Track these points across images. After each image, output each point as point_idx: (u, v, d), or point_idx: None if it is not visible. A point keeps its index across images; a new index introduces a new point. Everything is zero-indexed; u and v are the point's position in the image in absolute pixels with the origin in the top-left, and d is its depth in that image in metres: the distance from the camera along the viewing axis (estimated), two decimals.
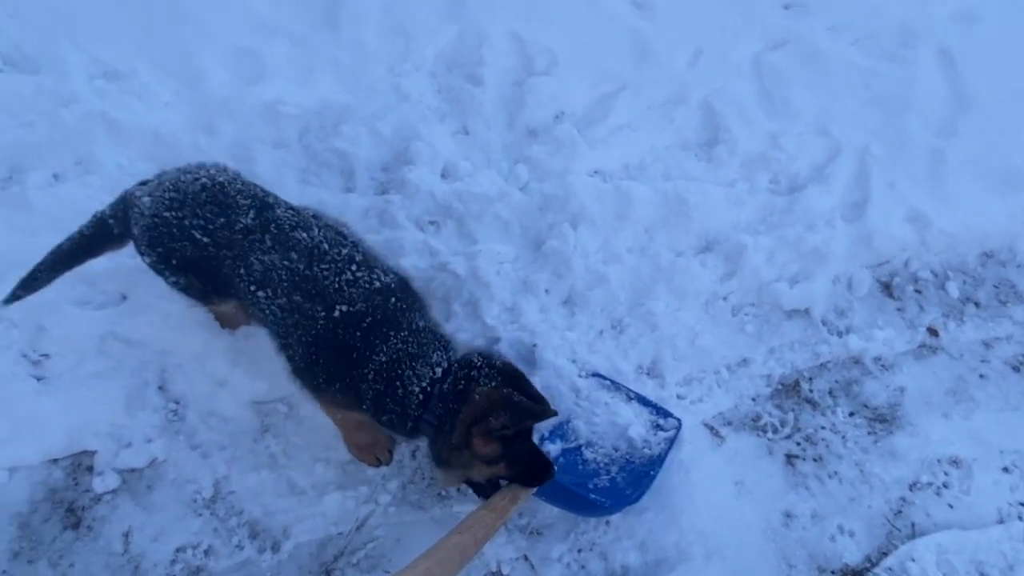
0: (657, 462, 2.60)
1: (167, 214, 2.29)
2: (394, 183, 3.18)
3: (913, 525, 2.69)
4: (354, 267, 2.24)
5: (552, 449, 2.63)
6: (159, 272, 2.43)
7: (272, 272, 2.23)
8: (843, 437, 2.87)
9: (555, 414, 2.18)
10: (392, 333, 2.19)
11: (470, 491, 2.61)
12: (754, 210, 3.31)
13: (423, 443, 2.38)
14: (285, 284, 2.22)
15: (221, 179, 2.34)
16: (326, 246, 2.26)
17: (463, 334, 2.84)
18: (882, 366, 3.06)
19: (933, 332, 3.16)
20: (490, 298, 2.89)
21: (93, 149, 3.09)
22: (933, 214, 3.30)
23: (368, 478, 2.62)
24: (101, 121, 3.13)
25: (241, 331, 2.76)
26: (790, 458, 2.80)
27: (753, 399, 2.94)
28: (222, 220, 2.27)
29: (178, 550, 2.47)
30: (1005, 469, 2.84)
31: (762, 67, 3.75)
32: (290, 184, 3.11)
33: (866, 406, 2.95)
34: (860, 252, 3.24)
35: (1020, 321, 3.24)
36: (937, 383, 3.03)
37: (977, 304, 3.27)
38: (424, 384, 2.17)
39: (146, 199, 2.33)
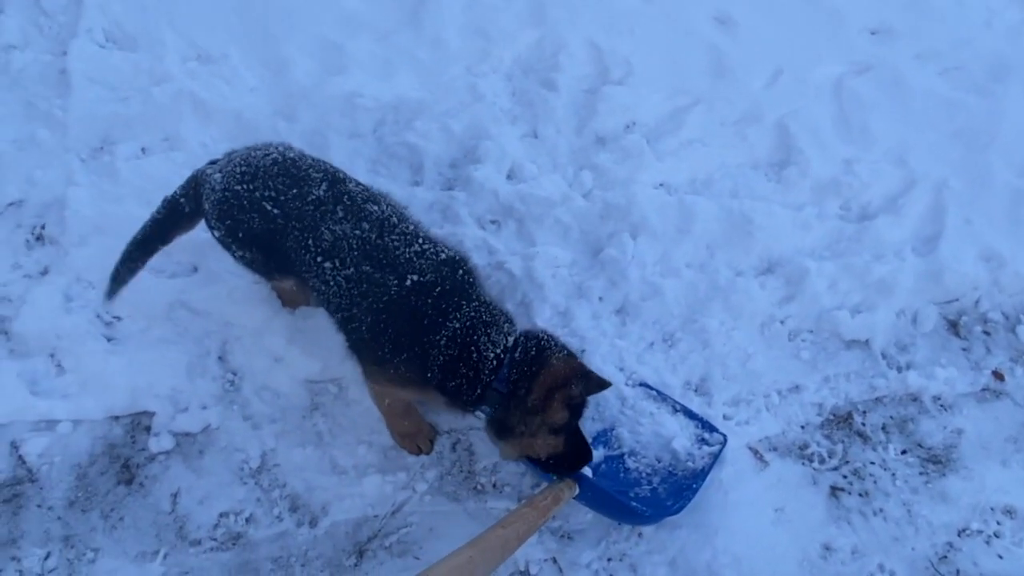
0: (700, 476, 2.59)
1: (238, 187, 2.38)
2: (460, 180, 3.24)
3: (958, 572, 2.59)
4: (421, 240, 2.32)
5: (595, 455, 2.62)
6: (226, 246, 2.52)
7: (342, 242, 2.28)
8: (893, 474, 2.79)
9: (610, 385, 2.33)
10: (464, 302, 2.26)
11: (506, 488, 2.66)
12: (821, 235, 3.25)
13: (474, 420, 2.50)
14: (356, 253, 2.27)
15: (291, 155, 2.45)
16: (395, 219, 2.35)
17: None
18: (941, 406, 2.96)
19: (999, 376, 3.05)
20: (543, 300, 2.92)
21: (180, 127, 3.25)
22: (1009, 255, 3.18)
23: (407, 465, 2.68)
24: (190, 101, 3.29)
25: (300, 312, 2.85)
26: (835, 490, 2.74)
27: (802, 427, 2.88)
28: (294, 191, 2.35)
29: (221, 515, 2.57)
30: None
31: (842, 91, 3.67)
32: (360, 173, 3.17)
33: (920, 445, 2.86)
34: (928, 287, 3.14)
35: None
36: (998, 429, 2.91)
37: None
38: (498, 351, 2.24)
39: (217, 175, 2.44)
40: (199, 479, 2.62)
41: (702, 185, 3.36)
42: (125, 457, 2.64)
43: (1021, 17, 4.06)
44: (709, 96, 3.57)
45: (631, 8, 3.86)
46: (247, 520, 2.57)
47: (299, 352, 2.79)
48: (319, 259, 2.31)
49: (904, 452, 2.85)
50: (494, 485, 2.67)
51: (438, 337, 2.22)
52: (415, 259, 2.27)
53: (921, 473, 2.80)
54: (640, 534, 2.58)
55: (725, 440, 2.69)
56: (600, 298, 2.97)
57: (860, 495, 2.74)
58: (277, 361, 2.81)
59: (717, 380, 2.89)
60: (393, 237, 2.30)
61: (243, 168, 2.40)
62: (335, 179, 2.40)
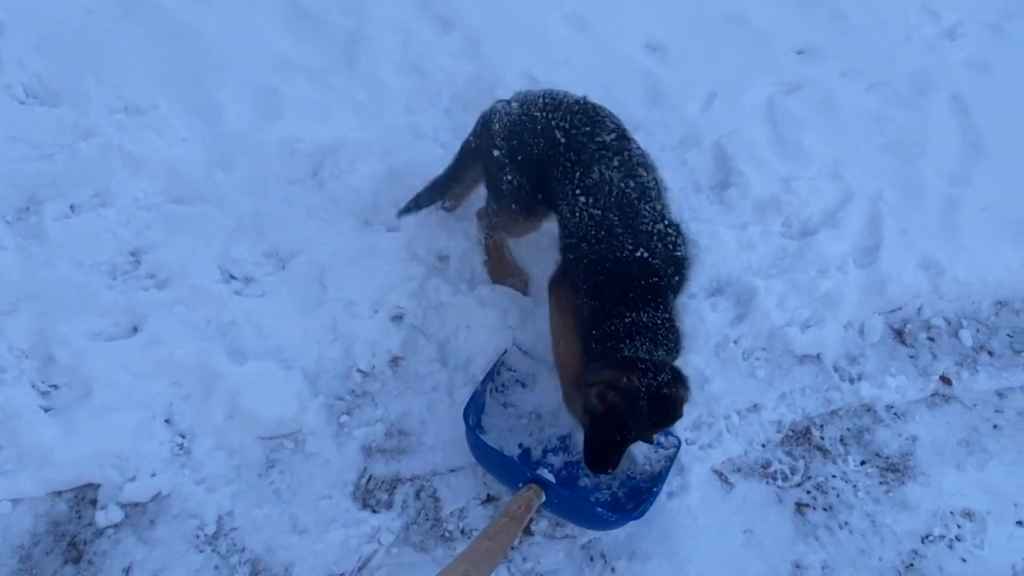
0: (659, 479, 2.62)
1: (537, 113, 2.65)
2: (406, 220, 3.20)
3: None
4: (665, 223, 2.54)
5: (555, 461, 2.71)
6: (500, 167, 2.73)
7: (606, 186, 2.51)
8: (854, 486, 2.83)
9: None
10: (661, 305, 2.46)
11: (474, 532, 2.60)
12: (766, 253, 3.30)
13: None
14: (612, 200, 2.50)
15: (591, 102, 2.69)
16: (654, 192, 2.57)
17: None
18: (894, 414, 3.02)
19: (946, 381, 3.13)
20: (496, 340, 2.89)
21: (110, 182, 3.12)
22: (946, 262, 3.29)
23: (371, 518, 2.61)
24: (119, 154, 3.17)
25: (249, 365, 2.75)
26: (800, 507, 2.76)
27: (763, 445, 2.90)
28: (587, 129, 2.59)
29: None
30: (1020, 523, 2.79)
31: (775, 111, 3.77)
32: (303, 219, 3.13)
33: (878, 455, 2.91)
34: (872, 298, 3.22)
35: None
36: (950, 433, 2.99)
37: (991, 353, 3.24)
38: (638, 357, 2.38)
39: (515, 104, 2.73)
40: (152, 551, 2.49)
41: None
42: (71, 534, 2.49)
43: (938, 31, 4.25)
44: (647, 122, 3.61)
45: (564, 38, 3.90)
46: None
47: (251, 408, 2.69)
48: (577, 191, 2.54)
49: (863, 463, 2.89)
50: (462, 531, 2.60)
51: (625, 314, 2.42)
52: (654, 238, 2.48)
53: (881, 483, 2.84)
54: (613, 569, 2.55)
55: (680, 443, 2.72)
56: None
57: (824, 509, 2.77)
58: (228, 419, 2.70)
59: None
60: (648, 206, 2.52)
61: (546, 100, 2.67)
62: (623, 134, 2.64)
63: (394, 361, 2.93)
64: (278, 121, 3.38)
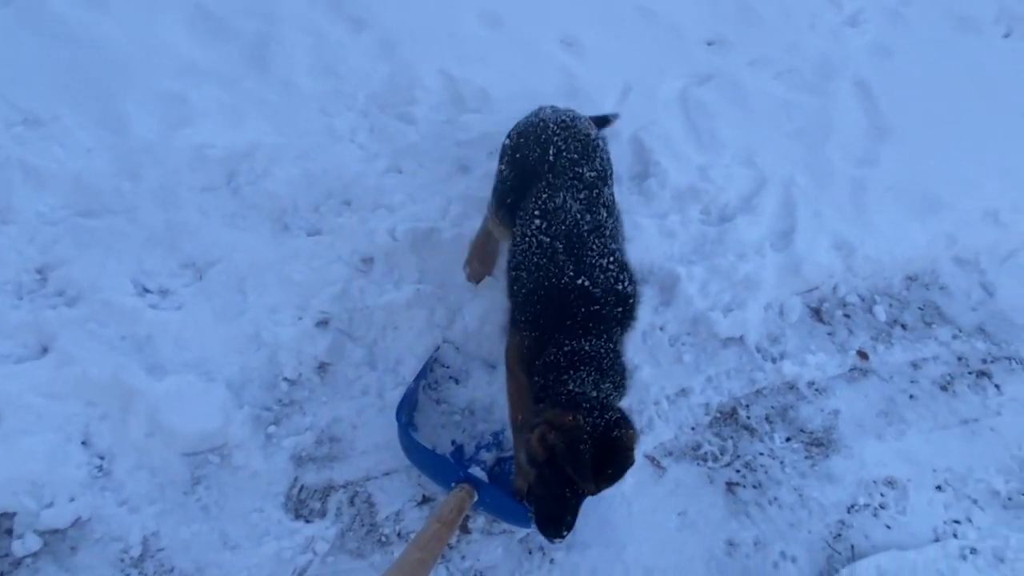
0: None
1: (551, 124, 2.73)
2: (327, 223, 3.15)
3: (852, 547, 2.71)
4: (612, 259, 2.49)
5: (487, 457, 2.69)
6: (501, 155, 2.84)
7: (562, 213, 2.51)
8: (781, 462, 2.90)
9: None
10: (599, 335, 2.36)
11: (411, 535, 2.57)
12: (686, 240, 3.36)
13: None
14: (562, 228, 2.49)
15: (599, 142, 2.78)
16: (608, 231, 2.55)
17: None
18: (816, 390, 3.11)
19: (863, 355, 3.23)
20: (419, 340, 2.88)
21: (11, 197, 2.99)
22: (858, 241, 3.41)
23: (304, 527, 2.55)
24: (19, 169, 3.04)
25: (168, 380, 2.66)
26: (731, 486, 2.82)
27: (693, 428, 2.95)
28: (575, 156, 2.65)
29: None
30: (938, 487, 2.90)
31: (689, 102, 3.84)
32: (219, 227, 3.05)
33: (802, 430, 2.99)
34: (790, 279, 3.31)
35: (945, 342, 3.34)
36: (869, 405, 3.09)
37: (904, 326, 3.37)
38: (584, 396, 2.24)
39: (548, 110, 2.85)
40: None
41: None
42: None
43: (840, 18, 4.40)
44: None
45: (479, 37, 3.90)
46: None
47: (172, 424, 2.60)
48: (536, 213, 2.54)
49: (789, 439, 2.97)
50: (399, 534, 2.57)
51: (565, 342, 2.33)
52: (598, 270, 2.44)
53: (807, 457, 2.92)
54: (552, 560, 2.56)
55: None
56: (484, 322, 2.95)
57: (754, 487, 2.83)
58: (149, 437, 2.61)
59: None
60: (597, 241, 2.49)
61: (568, 120, 2.76)
62: (604, 175, 2.69)
63: (321, 367, 2.88)
64: (187, 128, 3.28)
